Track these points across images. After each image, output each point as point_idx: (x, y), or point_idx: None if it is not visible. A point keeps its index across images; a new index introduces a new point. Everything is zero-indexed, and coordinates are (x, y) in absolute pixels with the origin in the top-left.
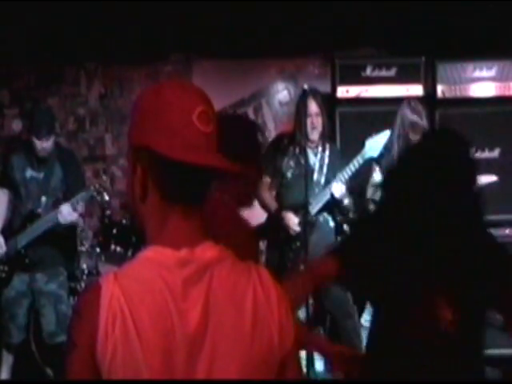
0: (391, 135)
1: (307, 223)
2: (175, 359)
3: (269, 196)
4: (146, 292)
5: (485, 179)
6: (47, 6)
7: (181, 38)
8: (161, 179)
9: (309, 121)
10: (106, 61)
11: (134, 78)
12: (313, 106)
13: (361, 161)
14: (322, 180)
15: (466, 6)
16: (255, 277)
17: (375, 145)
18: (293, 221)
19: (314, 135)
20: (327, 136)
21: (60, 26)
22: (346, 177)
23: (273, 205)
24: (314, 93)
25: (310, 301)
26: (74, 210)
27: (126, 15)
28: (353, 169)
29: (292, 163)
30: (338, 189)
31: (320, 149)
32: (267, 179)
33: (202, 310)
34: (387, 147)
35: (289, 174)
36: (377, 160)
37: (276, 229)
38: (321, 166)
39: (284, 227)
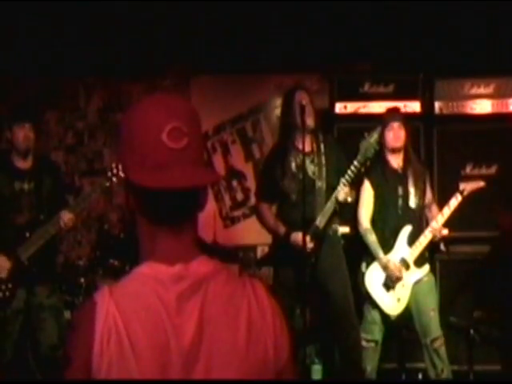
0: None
1: (317, 237)
2: (170, 374)
3: (274, 220)
4: (141, 308)
5: (472, 185)
6: (47, 20)
7: (179, 53)
8: (141, 202)
9: (301, 109)
10: (105, 75)
11: (132, 93)
12: (304, 96)
13: (358, 165)
14: (324, 186)
15: (465, 24)
16: (250, 290)
17: (369, 145)
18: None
19: (310, 121)
20: (318, 133)
21: (59, 41)
22: (349, 179)
23: (281, 228)
24: (302, 87)
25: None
26: (74, 214)
27: (125, 30)
28: (352, 174)
29: (293, 185)
30: (342, 193)
31: (315, 147)
32: (266, 204)
33: (196, 324)
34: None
35: (293, 196)
36: (368, 172)
37: (287, 250)
38: (319, 171)
39: (296, 247)
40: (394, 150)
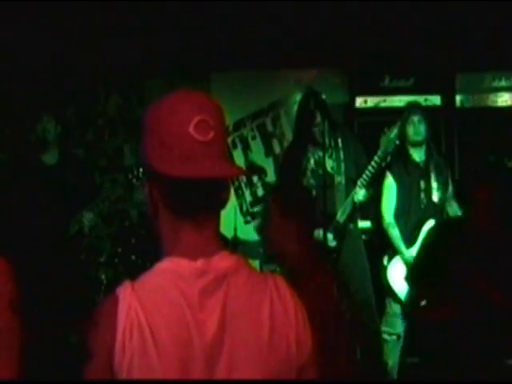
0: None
1: (338, 233)
2: (193, 369)
3: None
4: (163, 303)
5: None
6: (61, 15)
7: (199, 49)
8: (166, 195)
9: (312, 122)
10: (125, 71)
11: (152, 89)
12: (313, 104)
13: (378, 160)
14: (343, 181)
15: (485, 18)
16: (272, 286)
17: (389, 140)
18: (327, 238)
19: (319, 133)
20: (335, 128)
21: (78, 37)
22: (367, 179)
23: None
24: (314, 94)
25: None
26: (94, 214)
27: (145, 27)
28: (372, 170)
29: (313, 181)
30: (360, 195)
31: (332, 142)
32: None
33: (218, 319)
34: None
35: (313, 192)
36: (390, 167)
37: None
38: (338, 166)
39: (318, 243)
40: (415, 144)
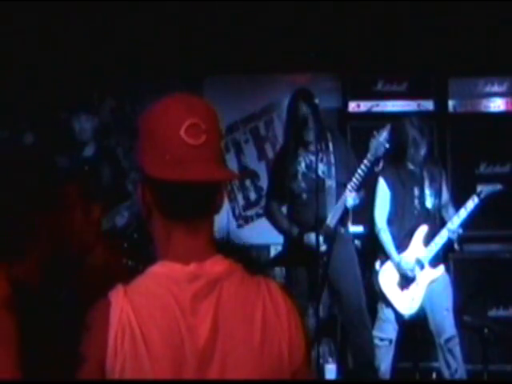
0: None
1: (328, 237)
2: (185, 374)
3: (286, 221)
4: (155, 307)
5: (490, 188)
6: (59, 20)
7: (192, 53)
8: (159, 198)
9: (303, 126)
10: (118, 75)
11: (145, 93)
12: (303, 108)
13: (368, 164)
14: (334, 184)
15: (478, 22)
16: (265, 291)
17: (378, 144)
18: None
19: (310, 136)
20: (326, 132)
21: (72, 40)
22: (357, 183)
23: (294, 229)
24: (303, 94)
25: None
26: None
27: (138, 29)
28: (362, 174)
29: (304, 185)
30: (351, 199)
31: (323, 146)
32: (277, 205)
33: (211, 324)
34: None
35: (304, 196)
36: (383, 172)
37: (300, 250)
38: (329, 170)
39: (308, 248)
40: (415, 162)
